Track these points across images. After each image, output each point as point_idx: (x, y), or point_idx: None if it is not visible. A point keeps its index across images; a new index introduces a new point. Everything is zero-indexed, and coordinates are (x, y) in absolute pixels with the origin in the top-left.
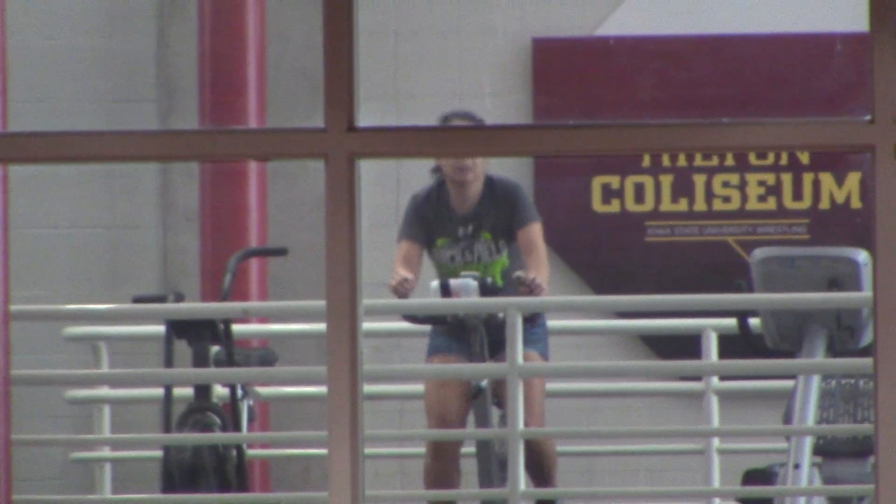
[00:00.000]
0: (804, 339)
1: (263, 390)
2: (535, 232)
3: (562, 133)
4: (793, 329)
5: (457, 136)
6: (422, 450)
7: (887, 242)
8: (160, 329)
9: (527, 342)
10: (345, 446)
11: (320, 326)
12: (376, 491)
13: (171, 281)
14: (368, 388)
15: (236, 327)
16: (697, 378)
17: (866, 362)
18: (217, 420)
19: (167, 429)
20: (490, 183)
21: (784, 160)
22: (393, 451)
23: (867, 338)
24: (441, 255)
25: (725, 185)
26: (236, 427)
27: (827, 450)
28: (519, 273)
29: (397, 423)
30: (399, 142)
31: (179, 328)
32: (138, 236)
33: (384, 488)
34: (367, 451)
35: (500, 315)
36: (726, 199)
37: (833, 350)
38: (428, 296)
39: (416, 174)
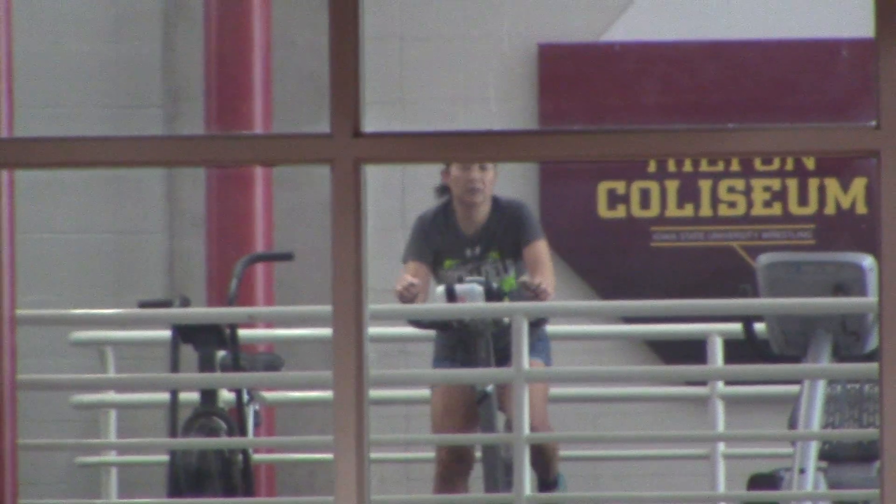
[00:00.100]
0: (809, 344)
1: (269, 395)
2: (540, 249)
3: (567, 138)
4: (798, 334)
5: (462, 141)
6: (427, 455)
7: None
8: (166, 334)
9: (530, 350)
10: (351, 451)
11: (326, 331)
12: (382, 496)
13: (177, 286)
14: (374, 392)
15: (242, 332)
16: (703, 383)
17: (871, 367)
18: (223, 424)
19: (173, 433)
20: (497, 203)
21: (790, 166)
22: (399, 456)
23: (872, 343)
24: (449, 276)
25: (731, 190)
26: (242, 432)
27: (832, 455)
28: (524, 278)
29: (403, 428)
30: (405, 147)
31: (186, 333)
32: (144, 241)
33: (390, 493)
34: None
35: (506, 320)
36: (732, 205)
37: (838, 355)
38: (434, 302)
39: (422, 180)
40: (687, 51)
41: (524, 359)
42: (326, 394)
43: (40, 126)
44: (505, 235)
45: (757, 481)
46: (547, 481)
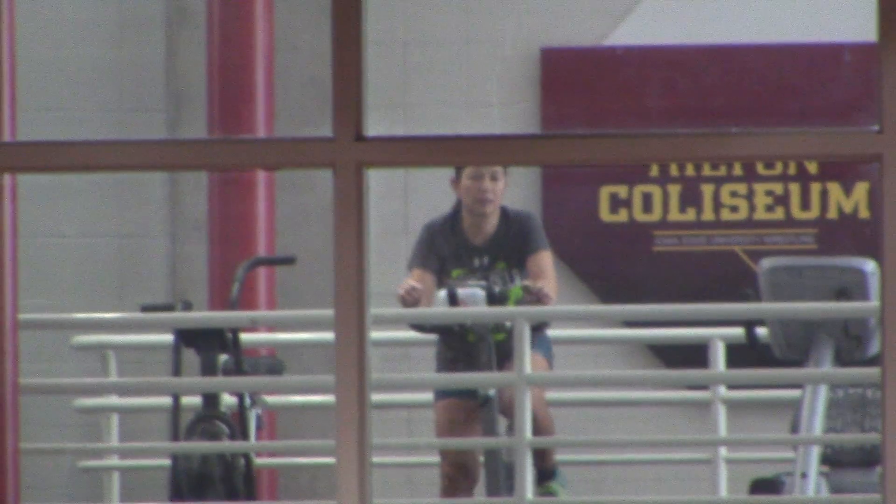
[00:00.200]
0: (812, 348)
1: (271, 399)
2: (544, 259)
3: (570, 143)
4: (800, 338)
5: (465, 145)
6: (429, 459)
7: (895, 252)
8: (168, 338)
9: (532, 345)
10: (352, 455)
11: (328, 335)
12: (384, 500)
13: (179, 290)
14: (376, 397)
15: (244, 336)
16: (705, 387)
17: (874, 372)
18: (225, 429)
19: (175, 437)
20: (505, 214)
21: (792, 170)
22: (401, 461)
23: (875, 347)
24: (455, 285)
25: (733, 194)
26: (244, 436)
27: (834, 459)
28: (526, 282)
29: (405, 433)
30: (407, 151)
31: (188, 337)
32: (147, 245)
33: (392, 497)
34: (375, 460)
35: (508, 324)
36: (734, 209)
37: (840, 360)
38: (436, 306)
39: (425, 184)
40: (689, 55)
41: (526, 364)
42: (328, 398)
43: (43, 130)
44: (512, 246)
45: (759, 486)
46: (544, 470)
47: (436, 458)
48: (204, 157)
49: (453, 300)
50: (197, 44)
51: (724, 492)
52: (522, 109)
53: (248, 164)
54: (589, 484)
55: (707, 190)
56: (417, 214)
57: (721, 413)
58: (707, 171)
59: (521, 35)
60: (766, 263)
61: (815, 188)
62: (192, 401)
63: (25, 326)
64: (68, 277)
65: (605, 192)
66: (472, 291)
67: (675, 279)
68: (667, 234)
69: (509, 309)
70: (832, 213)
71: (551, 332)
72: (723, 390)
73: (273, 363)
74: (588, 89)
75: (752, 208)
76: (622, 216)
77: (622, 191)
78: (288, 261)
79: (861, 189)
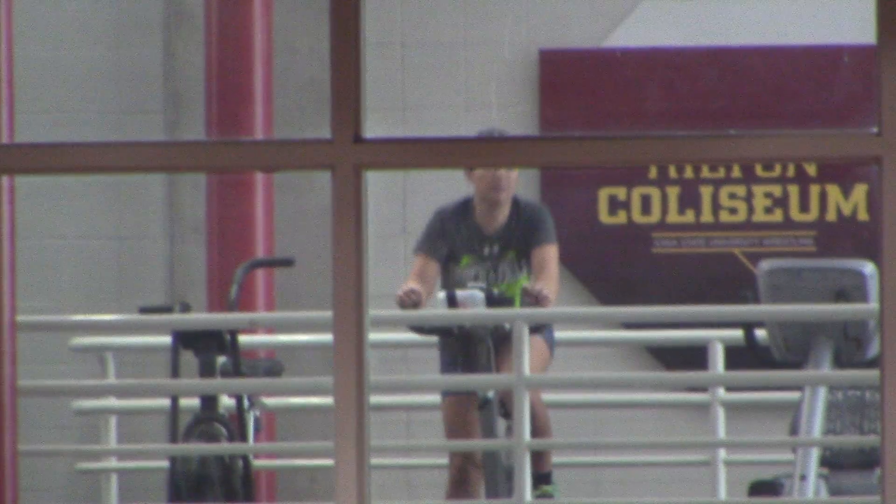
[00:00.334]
0: (811, 350)
1: (270, 401)
2: (549, 253)
3: (568, 144)
4: (799, 341)
5: (463, 148)
6: (428, 461)
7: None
8: (167, 340)
9: (533, 331)
10: (351, 457)
11: (327, 337)
12: (383, 502)
13: (177, 291)
14: (375, 399)
15: (243, 338)
16: (704, 389)
17: (873, 374)
18: (223, 431)
19: (174, 439)
20: (517, 204)
21: (791, 172)
22: (399, 462)
23: (874, 349)
24: (464, 272)
25: (732, 196)
26: (243, 438)
27: (833, 461)
28: (525, 284)
29: (404, 435)
30: (406, 153)
31: (186, 339)
32: (145, 247)
33: (390, 499)
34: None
35: (507, 326)
36: (733, 211)
37: (839, 362)
38: (435, 307)
39: (423, 185)
40: (688, 57)
41: (525, 365)
42: (327, 400)
43: (41, 132)
44: (522, 236)
45: (758, 488)
46: (540, 473)
47: (435, 460)
48: (202, 159)
49: (452, 302)
50: (195, 45)
51: (723, 494)
52: (521, 111)
53: (246, 165)
54: (588, 486)
55: (706, 192)
56: (416, 216)
57: (720, 415)
58: (706, 172)
59: (519, 37)
60: (765, 265)
61: (814, 190)
62: (191, 403)
63: (24, 328)
64: (66, 279)
65: (603, 193)
66: (471, 293)
67: (674, 281)
68: (665, 235)
69: (508, 311)
70: (831, 216)
71: None
72: (722, 392)
73: (271, 365)
74: (587, 91)
75: (750, 210)
76: (621, 218)
77: (621, 192)
78: (286, 262)
79: (860, 191)
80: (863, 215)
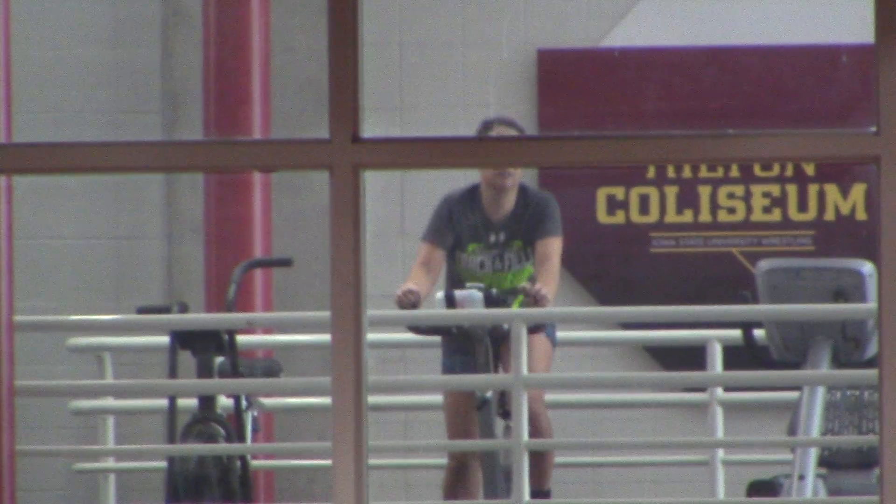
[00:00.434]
0: (809, 350)
1: (268, 401)
2: (552, 246)
3: (566, 144)
4: (798, 340)
5: (461, 147)
6: (426, 461)
7: (892, 254)
8: (165, 340)
9: (535, 328)
10: (349, 457)
11: (325, 337)
12: (381, 502)
13: (175, 291)
14: (373, 399)
15: (241, 338)
16: (702, 389)
17: (871, 373)
18: (221, 431)
19: (171, 440)
20: (525, 192)
21: (789, 172)
22: (397, 463)
23: (872, 349)
24: (470, 260)
25: (730, 196)
26: (241, 438)
27: (832, 461)
28: (524, 284)
29: (402, 435)
30: (404, 153)
31: (184, 339)
32: (143, 247)
33: (388, 500)
34: (372, 462)
35: (505, 326)
36: (731, 211)
37: (838, 361)
38: (433, 307)
39: (421, 185)
40: (686, 56)
41: (523, 366)
42: (325, 400)
43: (39, 132)
44: (528, 226)
45: (756, 488)
46: (541, 491)
47: (433, 460)
48: (200, 159)
49: (451, 302)
50: (193, 45)
51: (721, 494)
52: (519, 111)
53: (244, 165)
54: (586, 486)
55: (704, 191)
56: (414, 216)
57: (718, 415)
58: (704, 172)
59: (517, 37)
60: (764, 265)
61: (813, 190)
62: (189, 403)
63: (21, 328)
64: (64, 279)
65: (601, 193)
66: (469, 293)
67: (673, 281)
68: (664, 235)
69: (506, 311)
70: (829, 215)
71: None
72: (720, 392)
73: (269, 365)
74: (585, 91)
75: (749, 210)
76: (619, 218)
77: (619, 192)
78: (284, 262)
79: (858, 190)
80: (861, 215)
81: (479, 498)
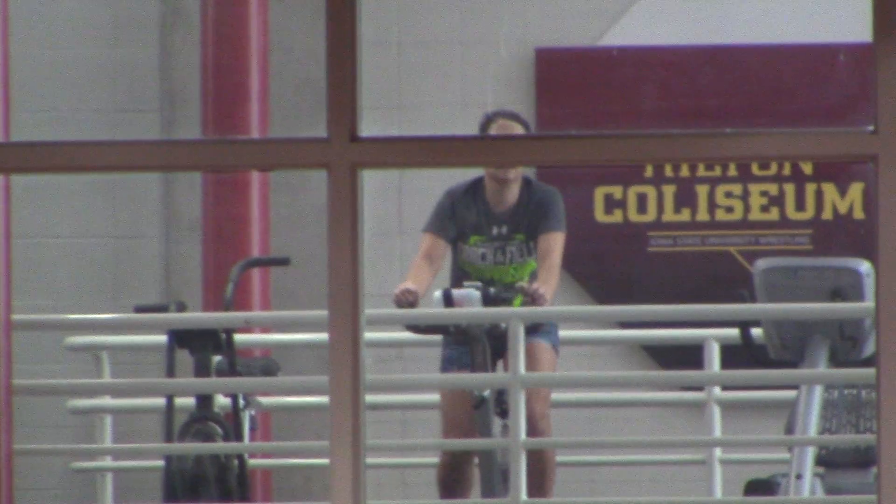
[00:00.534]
0: (807, 349)
1: (265, 400)
2: (555, 241)
3: (564, 143)
4: (795, 339)
5: (459, 146)
6: (423, 460)
7: (890, 253)
8: (162, 339)
9: (537, 333)
10: (346, 456)
11: (322, 336)
12: (378, 501)
13: (173, 291)
14: (370, 398)
15: (238, 337)
16: (700, 388)
17: (869, 373)
18: (219, 430)
19: (169, 438)
20: (529, 185)
21: (787, 171)
22: (395, 462)
23: (870, 348)
24: (472, 253)
25: (728, 195)
26: (238, 437)
27: (829, 460)
28: (522, 283)
29: (399, 434)
30: (402, 152)
31: (181, 338)
32: (141, 246)
33: (386, 498)
34: (369, 461)
35: (503, 325)
36: (729, 210)
37: (835, 360)
38: (431, 306)
39: (419, 184)
40: (684, 55)
41: (521, 364)
42: (322, 399)
43: (37, 131)
44: (531, 219)
45: (754, 487)
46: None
47: (430, 459)
48: (198, 158)
49: (448, 301)
50: (191, 45)
51: (718, 493)
52: (517, 110)
53: (242, 164)
54: (584, 485)
55: (702, 190)
56: (412, 215)
57: (716, 414)
58: (702, 171)
59: (515, 36)
60: (761, 264)
61: (810, 189)
62: (186, 402)
63: (19, 327)
64: (62, 278)
65: (599, 192)
66: (467, 292)
67: (670, 280)
68: (661, 234)
69: (504, 310)
70: (827, 214)
71: None
72: (718, 391)
73: (267, 364)
74: (583, 90)
75: (746, 209)
76: (617, 217)
77: (617, 191)
78: (282, 261)
79: (856, 189)
80: (859, 213)
81: (475, 494)
